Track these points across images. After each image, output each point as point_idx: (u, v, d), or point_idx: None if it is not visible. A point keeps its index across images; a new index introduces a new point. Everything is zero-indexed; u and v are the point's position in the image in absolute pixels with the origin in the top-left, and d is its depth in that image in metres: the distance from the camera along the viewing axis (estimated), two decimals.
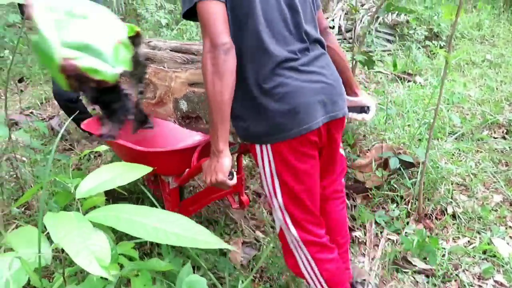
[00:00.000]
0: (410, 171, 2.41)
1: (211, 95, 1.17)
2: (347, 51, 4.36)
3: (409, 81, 3.93)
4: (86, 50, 0.26)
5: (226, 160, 1.22)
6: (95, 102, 0.25)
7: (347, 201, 2.31)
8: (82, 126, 1.94)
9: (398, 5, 4.10)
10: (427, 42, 4.81)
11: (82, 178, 1.57)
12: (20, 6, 3.26)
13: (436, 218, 2.22)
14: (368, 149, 2.61)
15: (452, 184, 2.41)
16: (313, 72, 1.30)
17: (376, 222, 2.19)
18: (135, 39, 0.92)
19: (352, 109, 1.61)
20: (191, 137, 1.91)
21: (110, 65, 0.26)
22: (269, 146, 1.29)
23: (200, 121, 1.59)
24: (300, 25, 1.30)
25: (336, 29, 5.19)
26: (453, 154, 2.73)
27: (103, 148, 1.67)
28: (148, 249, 1.90)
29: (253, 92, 1.26)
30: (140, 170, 1.15)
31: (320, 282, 1.45)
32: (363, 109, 1.65)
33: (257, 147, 1.32)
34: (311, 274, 1.46)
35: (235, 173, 1.28)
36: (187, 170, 1.61)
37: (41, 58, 0.26)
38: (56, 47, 0.25)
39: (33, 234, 1.08)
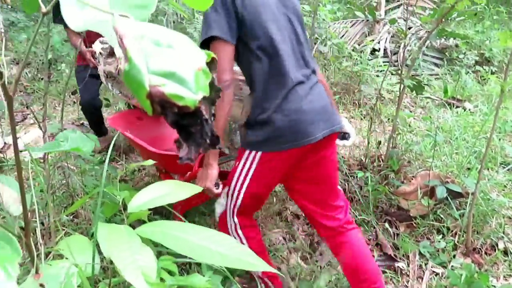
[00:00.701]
0: (458, 202, 2.31)
1: (217, 119, 1.41)
2: (392, 74, 4.29)
3: (457, 107, 3.80)
4: (172, 77, 0.28)
5: (213, 172, 1.48)
6: (175, 126, 0.26)
7: (389, 229, 2.24)
8: (108, 121, 2.22)
9: (448, 29, 4.01)
10: (478, 67, 4.65)
11: (128, 190, 1.62)
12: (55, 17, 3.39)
13: (485, 253, 2.10)
14: (413, 176, 2.52)
15: (503, 217, 2.28)
16: (314, 94, 1.48)
17: (420, 253, 2.10)
18: (211, 65, 0.95)
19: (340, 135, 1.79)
20: None
21: (192, 91, 0.28)
22: (259, 153, 1.45)
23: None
24: (304, 55, 1.52)
25: (382, 51, 5.14)
26: (505, 186, 2.59)
27: (149, 162, 1.72)
28: (186, 264, 1.92)
29: (265, 106, 1.43)
30: (189, 190, 1.19)
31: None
32: (344, 136, 1.81)
33: (247, 151, 1.49)
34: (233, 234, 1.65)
35: (221, 184, 1.55)
36: (189, 172, 1.83)
37: (130, 85, 0.28)
38: (145, 74, 0.27)
39: (83, 243, 1.12)
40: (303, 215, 2.41)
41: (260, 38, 1.41)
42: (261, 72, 1.44)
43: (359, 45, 5.00)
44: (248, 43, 1.42)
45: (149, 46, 0.29)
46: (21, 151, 3.21)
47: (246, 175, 1.50)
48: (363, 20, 5.33)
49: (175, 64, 0.29)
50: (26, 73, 5.13)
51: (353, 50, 4.48)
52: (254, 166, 1.48)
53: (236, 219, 1.60)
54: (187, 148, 0.31)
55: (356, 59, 4.27)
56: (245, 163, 1.49)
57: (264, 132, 1.43)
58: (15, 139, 0.51)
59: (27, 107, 4.29)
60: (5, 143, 3.37)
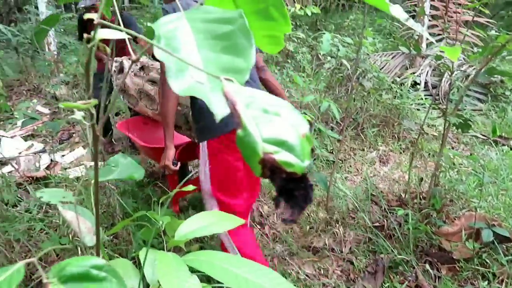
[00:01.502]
0: (505, 246, 2.19)
1: (163, 109, 1.78)
2: (433, 108, 4.21)
3: (503, 145, 3.66)
4: (282, 145, 0.29)
5: (171, 152, 1.83)
6: (280, 189, 0.28)
7: (430, 270, 2.15)
8: (117, 126, 2.75)
9: (493, 65, 3.91)
10: None
11: (169, 215, 1.65)
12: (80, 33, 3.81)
13: None
14: (457, 216, 2.43)
15: None
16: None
17: None
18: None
19: None
20: (182, 139, 2.54)
21: (300, 158, 0.29)
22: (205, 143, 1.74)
23: (181, 129, 2.40)
24: None
25: (422, 85, 5.07)
26: None
27: (190, 188, 1.76)
28: None
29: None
30: (232, 221, 1.21)
31: (234, 249, 1.80)
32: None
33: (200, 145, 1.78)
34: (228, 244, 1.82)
35: (178, 163, 1.88)
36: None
37: (244, 149, 0.29)
38: (259, 142, 0.29)
39: (127, 267, 1.15)
40: (339, 249, 2.37)
41: None
42: None
43: (399, 77, 4.96)
44: None
45: (259, 114, 0.30)
46: (65, 169, 3.34)
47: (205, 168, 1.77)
48: (403, 53, 5.31)
49: (284, 132, 0.31)
50: (75, 93, 5.40)
51: (393, 83, 4.44)
52: (207, 158, 1.75)
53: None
54: (290, 210, 0.32)
55: (396, 91, 4.23)
56: (202, 157, 1.77)
57: (205, 121, 1.73)
58: (96, 176, 0.54)
59: (73, 126, 4.50)
60: (51, 160, 3.54)
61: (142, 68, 2.79)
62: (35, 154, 3.67)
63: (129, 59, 2.78)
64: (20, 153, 3.68)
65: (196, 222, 1.17)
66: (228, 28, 0.41)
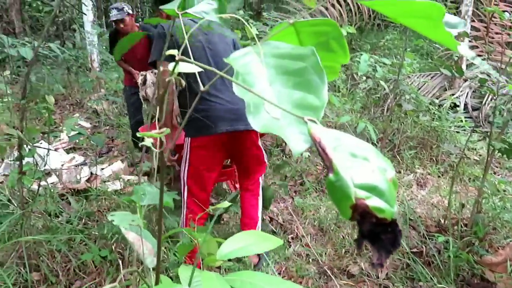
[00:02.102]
0: None
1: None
2: (473, 131, 4.08)
3: None
4: (373, 191, 0.30)
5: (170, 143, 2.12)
6: (368, 233, 0.29)
7: None
8: (140, 129, 3.02)
9: None
10: None
11: (204, 232, 1.67)
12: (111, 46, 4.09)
13: None
14: (501, 246, 2.33)
15: None
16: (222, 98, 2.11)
17: None
18: None
19: None
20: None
21: (389, 204, 0.30)
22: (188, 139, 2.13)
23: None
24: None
25: (462, 106, 4.94)
26: None
27: (225, 204, 1.78)
28: None
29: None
30: (272, 242, 1.21)
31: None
32: None
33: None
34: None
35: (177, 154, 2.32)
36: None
37: (334, 193, 0.30)
38: (351, 187, 0.29)
39: (167, 284, 1.17)
40: (374, 274, 2.31)
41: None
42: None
43: (437, 99, 4.85)
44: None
45: (347, 157, 0.31)
46: (104, 182, 3.45)
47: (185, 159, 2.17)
48: (442, 74, 5.20)
49: (374, 177, 0.32)
50: (114, 108, 5.59)
51: (430, 104, 4.35)
52: (188, 150, 2.15)
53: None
54: (377, 254, 0.33)
55: (434, 113, 4.14)
56: (185, 148, 2.16)
57: (190, 121, 2.08)
58: (161, 204, 0.57)
59: (112, 140, 4.65)
60: (91, 173, 3.66)
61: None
62: (76, 166, 3.81)
63: (152, 71, 3.15)
64: (62, 165, 3.84)
65: (236, 242, 1.19)
66: (300, 65, 0.43)
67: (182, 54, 1.77)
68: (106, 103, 5.67)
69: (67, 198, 3.08)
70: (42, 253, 2.24)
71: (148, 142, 0.49)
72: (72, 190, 3.20)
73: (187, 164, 2.17)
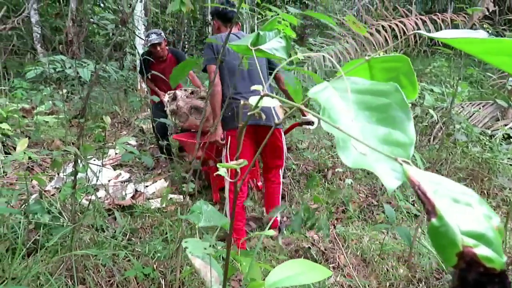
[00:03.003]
0: None
1: (211, 104, 2.69)
2: None
3: None
4: (481, 239, 0.29)
5: (219, 131, 2.72)
6: (473, 282, 0.28)
7: None
8: (173, 136, 3.90)
9: None
10: None
11: (247, 256, 1.66)
12: (140, 67, 4.53)
13: None
14: None
15: None
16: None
17: None
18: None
19: (305, 123, 3.03)
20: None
21: (498, 253, 0.29)
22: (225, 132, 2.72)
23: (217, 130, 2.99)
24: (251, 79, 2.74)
25: None
26: None
27: (270, 233, 1.77)
28: None
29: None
30: (321, 272, 1.19)
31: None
32: (309, 123, 3.00)
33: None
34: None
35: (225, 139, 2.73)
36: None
37: (438, 240, 0.30)
38: (458, 234, 0.29)
39: None
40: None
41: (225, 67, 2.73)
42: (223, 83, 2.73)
43: (488, 129, 4.65)
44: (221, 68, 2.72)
45: (449, 203, 0.31)
46: (148, 199, 3.53)
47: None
48: (494, 103, 5.00)
49: (481, 225, 0.31)
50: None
51: (481, 134, 4.18)
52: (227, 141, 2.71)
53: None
54: None
55: (486, 144, 3.96)
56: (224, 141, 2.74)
57: (225, 117, 2.71)
58: (229, 238, 0.57)
59: (157, 160, 4.78)
60: (136, 190, 3.77)
61: (192, 93, 3.81)
62: (122, 183, 3.94)
63: (182, 89, 3.85)
64: (109, 181, 3.97)
65: (284, 270, 1.17)
66: (383, 101, 0.43)
67: (224, 62, 2.28)
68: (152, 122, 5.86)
69: (113, 213, 3.17)
70: (89, 266, 2.31)
71: (222, 171, 0.50)
72: (118, 206, 3.30)
73: (228, 153, 2.72)
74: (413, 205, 3.33)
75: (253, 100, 0.45)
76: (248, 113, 0.46)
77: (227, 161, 2.65)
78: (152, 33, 4.30)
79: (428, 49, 8.77)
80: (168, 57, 4.51)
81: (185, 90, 3.91)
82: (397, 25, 6.84)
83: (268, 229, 2.57)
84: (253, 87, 0.45)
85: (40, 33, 9.19)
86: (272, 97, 0.44)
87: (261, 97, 0.44)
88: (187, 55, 12.40)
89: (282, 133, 2.91)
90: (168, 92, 3.90)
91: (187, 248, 0.74)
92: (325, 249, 2.69)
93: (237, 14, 2.62)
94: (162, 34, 4.30)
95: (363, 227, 3.07)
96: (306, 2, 9.18)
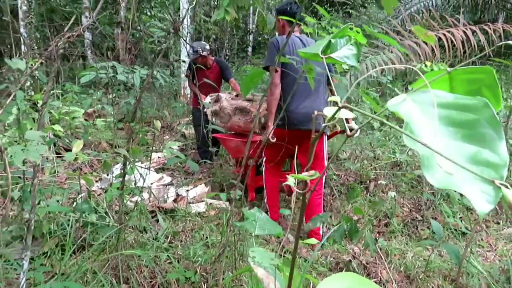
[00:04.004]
0: None
1: (268, 101, 2.82)
2: None
3: None
4: None
5: (271, 127, 2.74)
6: None
7: None
8: (214, 135, 3.93)
9: None
10: None
11: (286, 266, 1.65)
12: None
13: None
14: None
15: None
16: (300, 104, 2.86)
17: None
18: None
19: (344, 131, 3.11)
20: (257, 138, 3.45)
21: None
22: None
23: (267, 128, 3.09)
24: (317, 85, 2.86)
25: None
26: None
27: (313, 241, 1.75)
28: None
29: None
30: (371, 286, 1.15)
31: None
32: (351, 131, 2.97)
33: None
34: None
35: (275, 138, 2.83)
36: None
37: None
38: None
39: None
40: None
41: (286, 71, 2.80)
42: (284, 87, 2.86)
43: None
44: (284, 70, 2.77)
45: None
46: (190, 203, 3.58)
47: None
48: None
49: None
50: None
51: None
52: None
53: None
54: None
55: None
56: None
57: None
58: (295, 252, 0.57)
59: (199, 164, 4.85)
60: (178, 194, 3.84)
61: (237, 95, 4.02)
62: (164, 186, 4.03)
63: (226, 92, 4.17)
64: (152, 184, 4.07)
65: (334, 284, 1.15)
66: (470, 116, 0.41)
67: (285, 63, 2.77)
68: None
69: (155, 215, 3.25)
70: (133, 266, 2.37)
71: (291, 181, 0.49)
72: (160, 209, 3.37)
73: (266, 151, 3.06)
74: (461, 221, 3.18)
75: (328, 111, 0.45)
76: (323, 124, 0.46)
77: (265, 162, 3.08)
78: (191, 47, 4.79)
79: (477, 60, 8.42)
80: (213, 65, 4.97)
81: (229, 93, 4.13)
82: (444, 34, 6.62)
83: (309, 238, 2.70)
84: (331, 98, 0.45)
85: (91, 40, 9.64)
86: (352, 110, 0.44)
87: (339, 109, 0.43)
88: (228, 63, 12.60)
89: (325, 139, 2.95)
90: (211, 94, 4.20)
91: (254, 257, 0.74)
92: (367, 263, 2.62)
93: (300, 14, 2.95)
94: (199, 51, 4.69)
95: (407, 242, 2.97)
96: (350, 11, 9.09)
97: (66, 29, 1.18)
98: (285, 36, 2.80)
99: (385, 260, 2.68)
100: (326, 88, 2.96)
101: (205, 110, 4.07)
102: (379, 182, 3.77)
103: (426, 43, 6.36)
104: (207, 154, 4.69)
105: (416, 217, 3.29)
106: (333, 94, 2.91)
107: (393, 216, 3.21)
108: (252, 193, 3.70)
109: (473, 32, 6.65)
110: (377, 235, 3.07)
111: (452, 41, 6.67)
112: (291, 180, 0.49)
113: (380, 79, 5.55)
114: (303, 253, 2.82)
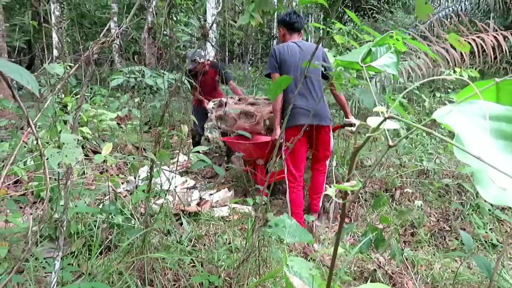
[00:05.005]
0: None
1: (273, 106, 3.21)
2: None
3: None
4: None
5: (278, 131, 3.17)
6: None
7: None
8: (221, 139, 4.36)
9: None
10: None
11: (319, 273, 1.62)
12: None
13: None
14: None
15: None
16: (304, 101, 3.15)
17: None
18: None
19: (348, 125, 3.44)
20: (266, 139, 3.81)
21: None
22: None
23: (273, 131, 3.39)
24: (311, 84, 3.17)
25: None
26: None
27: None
28: None
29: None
30: None
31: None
32: (351, 125, 3.41)
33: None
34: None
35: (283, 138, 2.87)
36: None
37: None
38: None
39: None
40: None
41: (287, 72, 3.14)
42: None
43: None
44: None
45: None
46: (213, 207, 3.59)
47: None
48: None
49: None
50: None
51: None
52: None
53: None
54: None
55: None
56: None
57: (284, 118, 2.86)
58: (333, 263, 0.56)
59: (220, 165, 4.87)
60: (201, 198, 3.87)
61: (239, 99, 4.24)
62: (188, 189, 4.06)
63: (228, 97, 4.37)
64: (176, 187, 4.12)
65: None
66: None
67: (283, 66, 3.27)
68: (217, 131, 6.01)
69: (179, 218, 3.28)
70: (157, 269, 2.39)
71: (331, 192, 0.49)
72: (184, 212, 3.40)
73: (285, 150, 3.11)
74: (492, 233, 3.08)
75: (371, 121, 0.44)
76: (367, 135, 0.45)
77: (286, 160, 3.21)
78: (196, 56, 4.99)
79: (508, 67, 8.18)
80: (209, 70, 5.21)
81: (231, 98, 4.39)
82: (474, 40, 6.46)
83: (310, 214, 3.37)
84: (376, 109, 0.44)
85: (118, 44, 9.86)
86: (399, 120, 0.43)
87: (384, 119, 0.42)
88: (252, 67, 12.63)
89: (331, 130, 3.35)
90: (213, 100, 4.53)
91: (292, 266, 0.73)
92: (393, 273, 2.57)
93: (303, 25, 3.29)
94: (198, 59, 4.90)
95: (434, 253, 2.89)
96: (376, 16, 8.99)
97: (101, 34, 1.21)
98: (282, 45, 3.18)
99: (411, 270, 2.62)
100: (322, 86, 3.31)
101: (209, 114, 4.40)
102: (405, 190, 3.70)
103: (455, 49, 6.22)
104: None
105: (444, 227, 3.20)
106: (333, 92, 3.31)
107: (420, 226, 3.13)
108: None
109: (505, 37, 6.46)
110: (403, 244, 3.01)
111: (482, 47, 6.50)
112: (331, 191, 0.49)
113: (407, 85, 5.46)
114: (326, 261, 2.78)
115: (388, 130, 0.49)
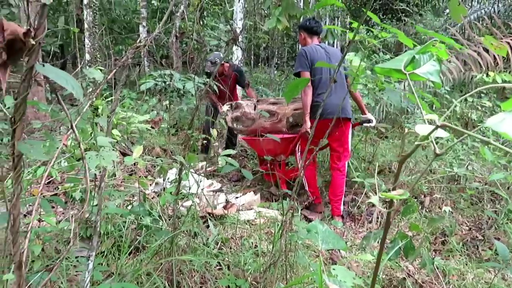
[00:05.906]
0: None
1: (303, 101, 3.42)
2: None
3: None
4: None
5: (307, 124, 3.40)
6: None
7: None
8: (240, 138, 4.76)
9: None
10: None
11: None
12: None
13: None
14: None
15: None
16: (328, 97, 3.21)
17: None
18: None
19: (364, 121, 3.68)
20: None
21: None
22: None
23: (299, 127, 3.81)
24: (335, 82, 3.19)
25: None
26: None
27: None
28: None
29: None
30: None
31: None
32: (368, 121, 3.66)
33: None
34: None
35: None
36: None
37: None
38: None
39: None
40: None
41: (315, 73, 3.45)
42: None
43: None
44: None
45: None
46: (238, 211, 3.60)
47: None
48: None
49: None
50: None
51: None
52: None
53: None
54: None
55: None
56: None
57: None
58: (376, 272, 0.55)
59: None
60: (227, 201, 3.88)
61: (258, 101, 4.39)
62: (214, 192, 4.09)
63: (247, 99, 4.52)
64: (202, 189, 4.15)
65: None
66: None
67: (313, 66, 3.62)
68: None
69: (205, 221, 3.30)
70: (184, 271, 2.41)
71: (375, 200, 0.48)
72: (209, 214, 3.42)
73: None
74: None
75: (420, 129, 0.43)
76: (416, 143, 0.44)
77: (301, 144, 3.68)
78: (208, 61, 5.08)
79: None
80: (229, 72, 5.25)
81: (248, 99, 4.58)
82: (508, 43, 6.26)
83: (333, 219, 3.47)
84: (427, 117, 0.43)
85: (147, 48, 10.06)
86: (451, 128, 0.42)
87: (436, 127, 0.41)
88: (278, 71, 12.64)
89: (351, 126, 3.57)
90: (227, 103, 4.59)
91: (336, 275, 0.73)
92: (423, 282, 2.51)
93: (321, 29, 3.63)
94: (218, 61, 4.96)
95: (466, 262, 2.80)
96: (405, 20, 8.84)
97: (138, 40, 1.25)
98: (309, 46, 3.49)
99: (442, 280, 2.55)
100: (345, 83, 3.56)
101: (223, 116, 4.52)
102: (434, 196, 3.61)
103: (487, 52, 6.04)
104: (207, 149, 5.39)
105: (477, 236, 3.10)
106: (350, 92, 3.52)
107: (452, 234, 3.05)
108: (283, 185, 4.12)
109: None
110: (433, 253, 2.93)
111: None
112: (374, 199, 0.48)
113: (436, 89, 5.33)
114: (354, 268, 2.74)
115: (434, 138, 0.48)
